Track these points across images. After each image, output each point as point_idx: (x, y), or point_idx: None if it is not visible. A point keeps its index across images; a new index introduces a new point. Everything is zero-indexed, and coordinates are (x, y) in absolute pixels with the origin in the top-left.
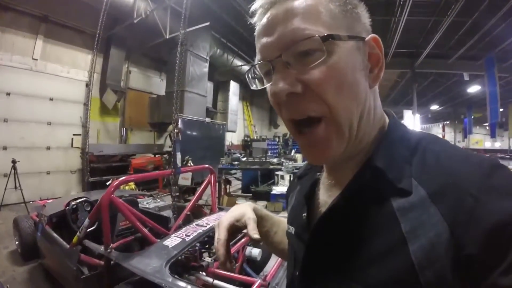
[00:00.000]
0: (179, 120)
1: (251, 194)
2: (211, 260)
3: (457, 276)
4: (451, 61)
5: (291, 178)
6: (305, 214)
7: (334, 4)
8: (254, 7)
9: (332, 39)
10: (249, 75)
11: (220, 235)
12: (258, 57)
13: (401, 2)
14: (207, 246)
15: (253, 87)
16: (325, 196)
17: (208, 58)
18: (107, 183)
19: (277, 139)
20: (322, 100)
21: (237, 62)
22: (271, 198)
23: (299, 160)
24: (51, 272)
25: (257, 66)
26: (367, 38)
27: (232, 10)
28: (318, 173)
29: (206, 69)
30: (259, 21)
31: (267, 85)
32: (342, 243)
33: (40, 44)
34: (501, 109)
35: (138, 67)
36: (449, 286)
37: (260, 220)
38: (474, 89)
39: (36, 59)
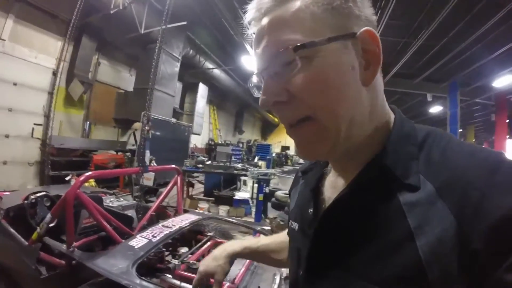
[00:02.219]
0: (145, 118)
1: (213, 198)
2: (178, 262)
3: (464, 271)
4: (417, 82)
5: (253, 183)
6: (311, 210)
7: (317, 6)
8: (247, 20)
9: (304, 48)
10: (250, 84)
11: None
12: (255, 66)
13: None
14: (170, 248)
15: (255, 95)
16: (330, 192)
17: (180, 57)
18: (66, 178)
19: (241, 145)
20: (307, 105)
21: (209, 65)
22: (233, 203)
23: (263, 167)
24: (7, 270)
25: (253, 76)
26: (358, 33)
27: (210, 12)
28: (324, 169)
29: (177, 69)
30: (253, 33)
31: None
32: (348, 238)
33: (10, 24)
34: (460, 130)
35: (108, 60)
36: (456, 282)
37: (253, 256)
38: (436, 109)
39: (4, 40)
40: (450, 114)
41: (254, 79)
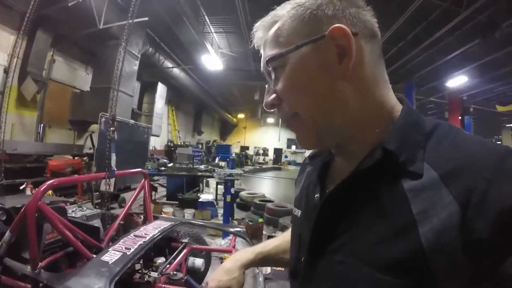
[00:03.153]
0: (103, 120)
1: (177, 202)
2: (158, 275)
3: (467, 260)
4: None
5: (217, 185)
6: (317, 195)
7: (292, 20)
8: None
9: (274, 60)
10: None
11: None
12: None
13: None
14: (142, 260)
15: None
16: (335, 177)
17: (139, 56)
18: (21, 187)
19: (200, 146)
20: (290, 104)
21: (168, 64)
22: (198, 206)
23: (225, 167)
24: None
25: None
26: (326, 33)
27: (173, 10)
28: (331, 155)
29: (136, 67)
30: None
31: None
32: (350, 223)
33: None
34: None
35: (64, 57)
36: (459, 271)
37: (266, 261)
38: None
39: None
40: None
41: None
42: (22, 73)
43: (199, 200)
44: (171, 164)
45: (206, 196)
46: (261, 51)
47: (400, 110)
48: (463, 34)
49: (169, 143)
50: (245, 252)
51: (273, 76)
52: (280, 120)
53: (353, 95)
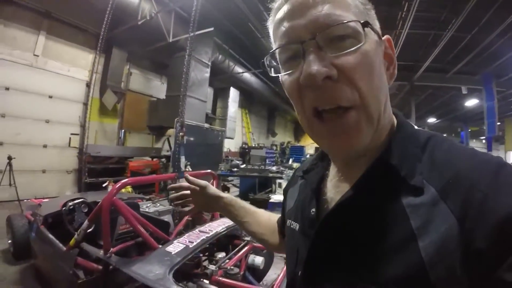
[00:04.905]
0: (178, 125)
1: (249, 202)
2: (215, 268)
3: (466, 271)
4: (449, 75)
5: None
6: (313, 210)
7: (359, 1)
8: None
9: (369, 27)
10: (267, 62)
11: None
12: (280, 42)
13: (403, 16)
14: (207, 253)
15: (271, 74)
16: (332, 193)
17: (209, 63)
18: (103, 185)
19: (274, 148)
20: (355, 87)
21: (238, 69)
22: (268, 206)
23: None
24: (44, 274)
25: (278, 51)
26: (383, 37)
27: (236, 17)
28: (326, 169)
29: (207, 75)
30: (279, 9)
31: (284, 74)
32: (349, 240)
33: (42, 40)
34: (498, 123)
35: (139, 69)
36: (458, 282)
37: (230, 208)
38: (471, 102)
39: (37, 55)
40: (486, 106)
41: (273, 57)
42: (103, 86)
43: (269, 200)
44: (244, 166)
45: (277, 197)
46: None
47: (394, 122)
48: None
49: (244, 145)
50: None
51: (337, 41)
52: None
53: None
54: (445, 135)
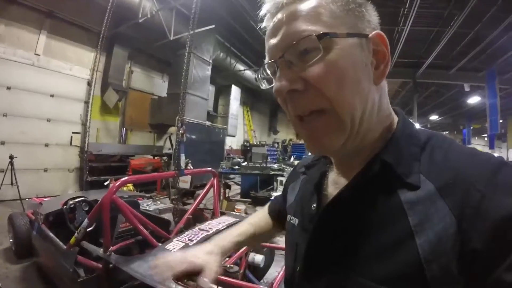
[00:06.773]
0: (180, 122)
1: (250, 199)
2: None
3: (463, 271)
4: (452, 72)
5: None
6: (314, 205)
7: (335, 5)
8: (262, 12)
9: (328, 37)
10: (259, 76)
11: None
12: (266, 58)
13: (405, 12)
14: None
15: (263, 87)
16: (331, 189)
17: (211, 61)
18: (105, 183)
19: (276, 145)
20: (323, 95)
21: (240, 67)
22: None
23: None
24: (46, 272)
25: (265, 66)
26: (370, 35)
27: (237, 14)
28: (327, 165)
29: (209, 72)
30: (267, 26)
31: (274, 85)
32: (348, 235)
33: (43, 39)
34: (500, 121)
35: (141, 67)
36: (454, 281)
37: (241, 246)
38: (474, 100)
39: (39, 55)
40: (489, 104)
41: (265, 70)
42: (104, 84)
43: (271, 198)
44: (245, 163)
45: (278, 195)
46: (282, 13)
47: (395, 120)
48: None
49: (245, 143)
50: (224, 241)
51: (302, 55)
52: (292, 113)
53: (377, 102)
54: (446, 133)
